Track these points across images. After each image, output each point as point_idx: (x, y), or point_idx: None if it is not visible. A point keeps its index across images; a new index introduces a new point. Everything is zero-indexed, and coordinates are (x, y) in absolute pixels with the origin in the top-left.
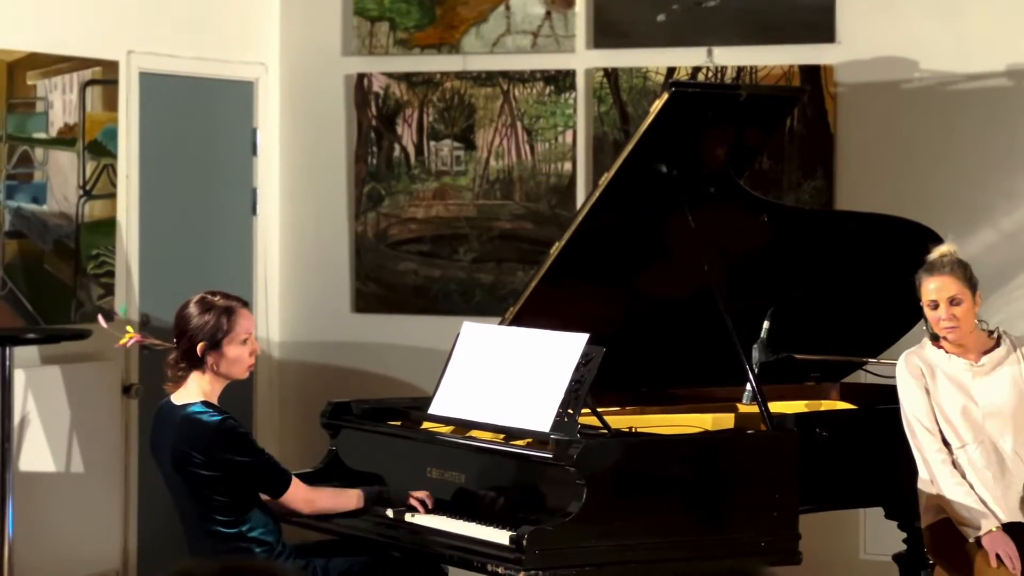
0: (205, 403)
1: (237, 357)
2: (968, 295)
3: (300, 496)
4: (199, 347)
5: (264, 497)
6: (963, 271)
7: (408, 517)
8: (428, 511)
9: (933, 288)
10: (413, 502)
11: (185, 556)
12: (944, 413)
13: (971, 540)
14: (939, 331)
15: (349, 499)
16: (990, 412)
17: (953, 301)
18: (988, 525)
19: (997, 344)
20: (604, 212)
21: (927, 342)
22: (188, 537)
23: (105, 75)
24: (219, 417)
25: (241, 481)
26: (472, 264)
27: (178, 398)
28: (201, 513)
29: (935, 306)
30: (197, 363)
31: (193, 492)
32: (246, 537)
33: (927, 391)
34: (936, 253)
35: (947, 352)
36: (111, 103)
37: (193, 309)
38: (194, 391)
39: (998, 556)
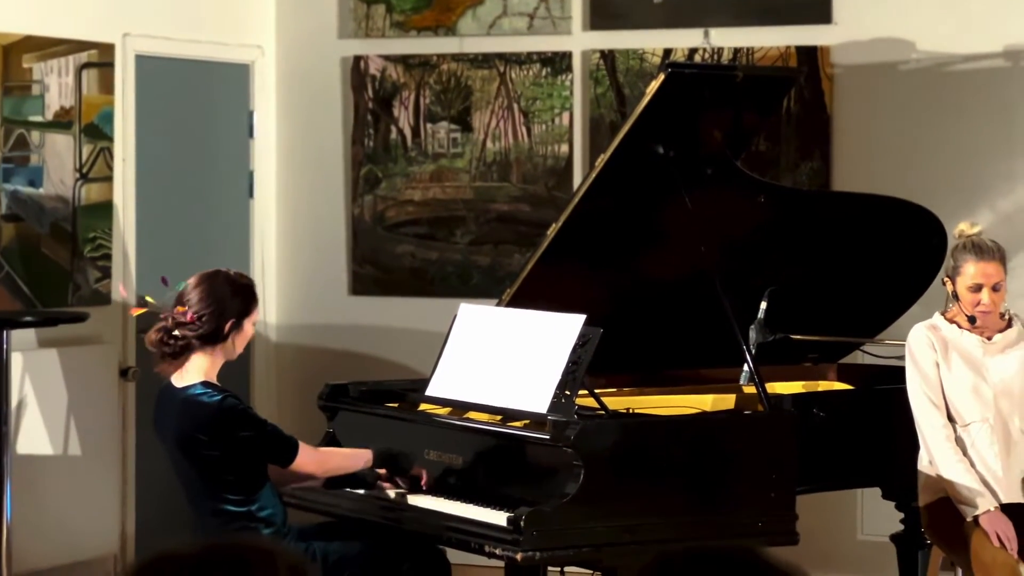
0: (205, 383)
1: (246, 336)
2: (1005, 280)
3: (310, 459)
4: (228, 323)
5: (275, 469)
6: (1005, 258)
7: (410, 499)
8: (427, 484)
9: (981, 273)
10: (419, 473)
11: (185, 537)
12: (953, 389)
13: (969, 519)
14: (974, 312)
15: (358, 458)
16: (1001, 390)
17: (996, 287)
18: (986, 504)
19: (1009, 325)
20: (601, 194)
21: (939, 316)
22: (195, 516)
23: (101, 58)
24: (219, 396)
25: (249, 456)
26: (469, 246)
27: (178, 380)
28: (211, 493)
29: (977, 289)
30: (214, 339)
31: (202, 474)
32: (255, 516)
33: (937, 365)
34: (971, 231)
35: (960, 328)
36: (107, 86)
37: (225, 287)
38: (194, 372)
39: (998, 536)
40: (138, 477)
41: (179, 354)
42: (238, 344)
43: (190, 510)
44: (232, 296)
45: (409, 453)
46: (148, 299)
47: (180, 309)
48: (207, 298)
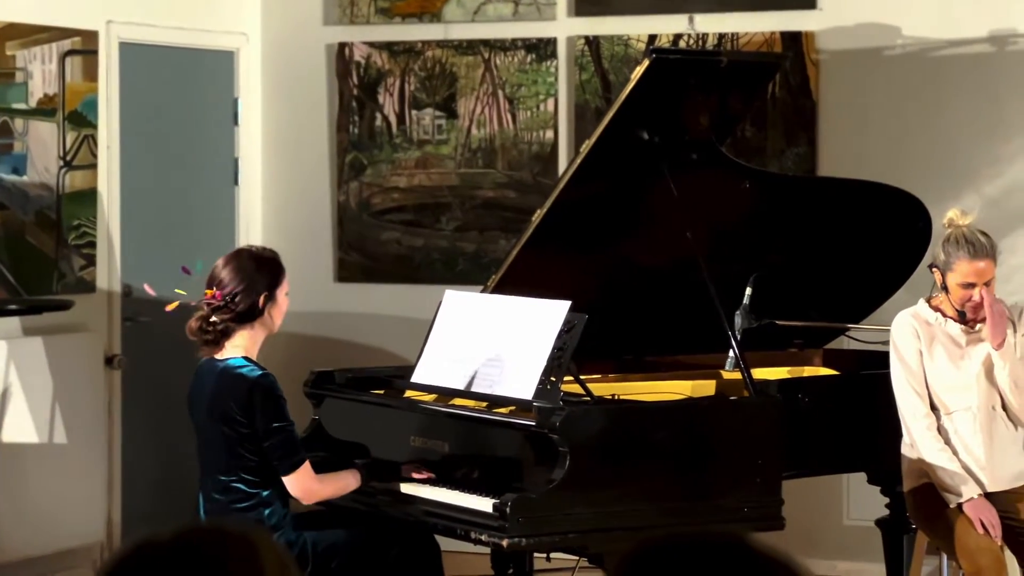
0: (247, 358)
1: (282, 307)
2: (995, 275)
3: (305, 484)
4: (262, 297)
5: None
6: (996, 252)
7: (404, 488)
8: (429, 474)
9: (974, 271)
10: (409, 471)
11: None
12: (937, 378)
13: (952, 506)
14: (964, 308)
15: (348, 484)
16: (984, 378)
17: (987, 284)
18: (970, 492)
19: None
20: (586, 179)
21: (923, 303)
22: (204, 489)
23: (85, 45)
24: (260, 372)
25: (260, 441)
26: (455, 233)
27: (220, 354)
28: (228, 468)
29: (970, 287)
30: (252, 316)
31: (227, 445)
32: (263, 500)
33: (920, 353)
34: (961, 221)
35: (945, 315)
36: (91, 73)
37: (250, 263)
38: (236, 348)
39: (982, 523)
40: (124, 465)
41: (220, 339)
42: (276, 317)
43: (200, 482)
44: (258, 270)
45: (390, 462)
46: (179, 291)
47: (209, 293)
48: (235, 277)
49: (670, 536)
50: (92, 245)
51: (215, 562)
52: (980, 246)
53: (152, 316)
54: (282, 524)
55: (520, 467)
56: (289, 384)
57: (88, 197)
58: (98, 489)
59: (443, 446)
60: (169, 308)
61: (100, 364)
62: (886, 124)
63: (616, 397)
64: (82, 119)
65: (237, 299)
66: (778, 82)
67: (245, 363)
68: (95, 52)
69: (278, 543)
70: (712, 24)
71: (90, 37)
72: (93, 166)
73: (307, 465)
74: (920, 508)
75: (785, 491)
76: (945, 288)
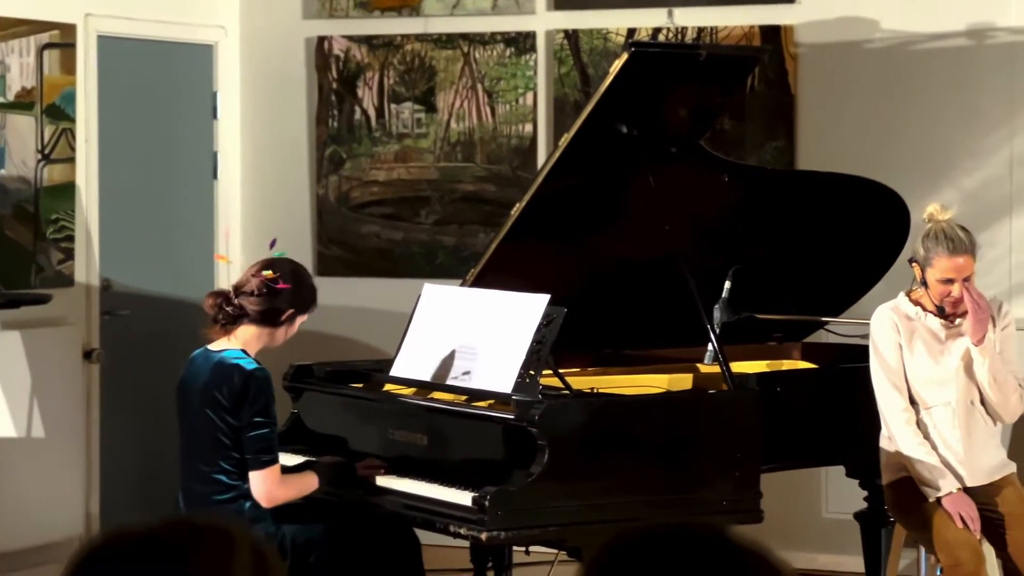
0: (244, 351)
1: (294, 331)
2: (974, 270)
3: (268, 485)
4: (287, 312)
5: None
6: (975, 248)
7: (381, 481)
8: (386, 471)
9: (953, 267)
10: (367, 472)
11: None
12: (916, 372)
13: (931, 500)
14: (943, 304)
15: (309, 485)
16: (963, 373)
17: (967, 280)
18: (948, 486)
19: None
20: (564, 173)
21: (903, 297)
22: (184, 480)
23: (63, 38)
24: (256, 366)
25: (240, 431)
26: (434, 226)
27: (216, 345)
28: (211, 458)
29: (949, 282)
30: (268, 320)
31: (214, 435)
32: (244, 492)
33: (900, 347)
34: (941, 216)
35: (924, 310)
36: (69, 66)
37: (296, 276)
38: (236, 341)
39: (961, 517)
40: (102, 459)
41: (232, 322)
42: (283, 336)
43: (181, 474)
44: (303, 288)
45: (348, 463)
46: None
47: (268, 275)
48: (292, 276)
49: (647, 528)
50: (70, 239)
51: (189, 554)
52: (959, 242)
53: (130, 310)
54: (261, 517)
55: (499, 460)
56: None
57: (66, 191)
58: (76, 483)
59: (422, 439)
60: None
61: (78, 358)
62: (865, 118)
63: (595, 390)
64: (60, 112)
65: (273, 288)
66: (757, 76)
67: (242, 355)
68: (73, 45)
69: (257, 535)
70: (691, 18)
71: (68, 30)
72: (71, 160)
73: (276, 468)
74: (899, 502)
75: (764, 484)
76: (924, 283)
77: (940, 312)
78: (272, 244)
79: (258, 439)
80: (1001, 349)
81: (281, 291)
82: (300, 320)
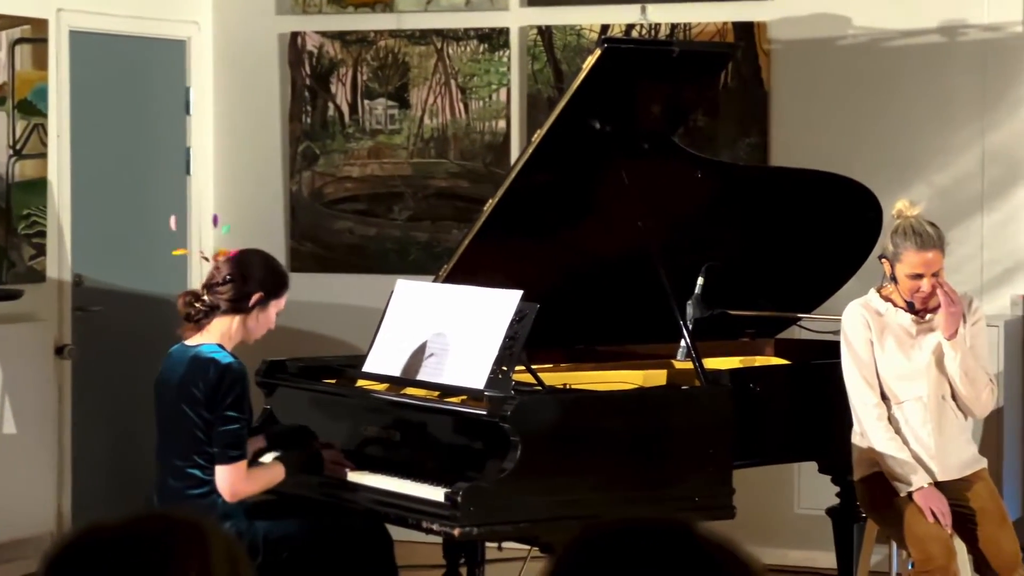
0: (220, 346)
1: (269, 320)
2: (943, 264)
3: (233, 480)
4: (256, 296)
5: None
6: (944, 243)
7: (349, 476)
8: (353, 469)
9: (921, 262)
10: (334, 469)
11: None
12: (887, 368)
13: (903, 495)
14: (913, 299)
15: (275, 477)
16: (934, 368)
17: (936, 274)
18: (920, 481)
19: None
20: (537, 169)
21: (874, 293)
22: (159, 474)
23: (34, 33)
24: (231, 360)
25: (210, 425)
26: (407, 222)
27: (192, 340)
28: (185, 453)
29: (917, 276)
30: (238, 308)
31: (189, 430)
32: (217, 489)
33: (871, 343)
34: (909, 212)
35: (895, 306)
36: (41, 62)
37: (262, 261)
38: (212, 334)
39: (932, 512)
40: (74, 455)
41: (203, 319)
42: (260, 323)
43: (156, 469)
44: (261, 269)
45: (315, 455)
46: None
47: (223, 252)
48: (237, 266)
49: (614, 523)
50: (42, 235)
51: (163, 549)
52: (927, 237)
53: (103, 306)
54: (234, 512)
55: (472, 456)
56: None
57: (38, 186)
58: (48, 479)
59: (395, 435)
60: (177, 253)
61: (50, 354)
62: (838, 114)
63: (568, 386)
64: (32, 108)
65: (229, 283)
66: (730, 72)
67: (218, 349)
68: (45, 40)
69: (228, 533)
70: (664, 14)
71: (40, 25)
72: (43, 155)
73: (242, 465)
74: (870, 497)
75: (736, 480)
76: (894, 279)
77: (910, 308)
78: (215, 221)
79: (227, 434)
80: (972, 344)
81: (248, 275)
82: (274, 307)
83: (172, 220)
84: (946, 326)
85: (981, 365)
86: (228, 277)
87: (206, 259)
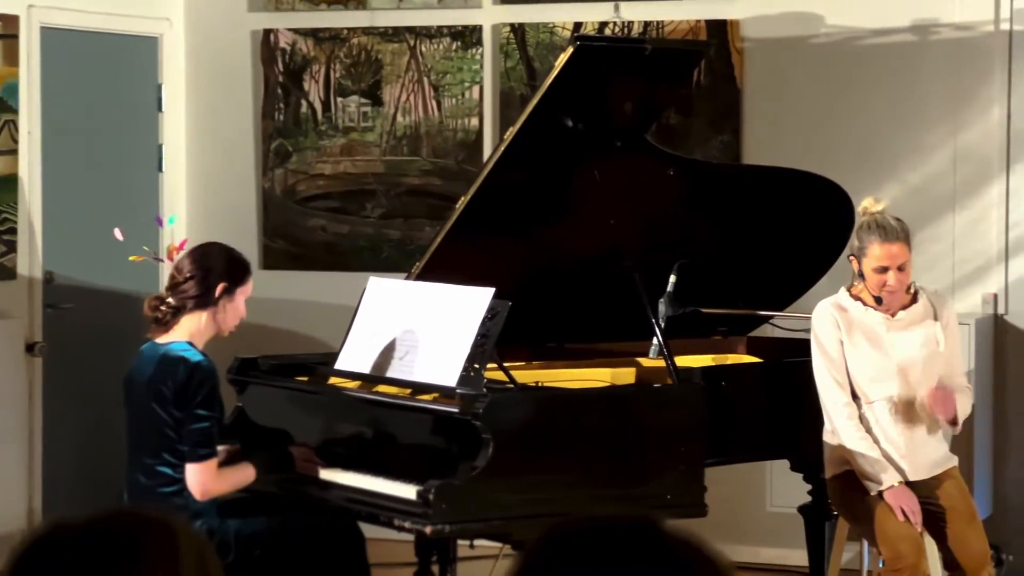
0: (191, 344)
1: (238, 309)
2: (910, 258)
3: (204, 479)
4: (220, 287)
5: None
6: (909, 237)
7: (321, 473)
8: (324, 467)
9: (886, 255)
10: (305, 467)
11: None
12: (857, 367)
13: (873, 494)
14: (880, 293)
15: (246, 477)
16: (904, 367)
17: (901, 267)
18: (890, 480)
19: (914, 300)
20: (510, 167)
21: (844, 292)
22: (129, 472)
23: (5, 30)
24: (201, 358)
25: (181, 423)
26: (380, 220)
27: (163, 339)
28: (155, 451)
29: (883, 270)
30: (205, 302)
31: (159, 428)
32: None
33: (841, 343)
34: (874, 208)
35: (865, 304)
36: (12, 58)
37: (220, 251)
38: (182, 333)
39: (903, 510)
40: (45, 453)
41: (171, 320)
42: (229, 315)
43: (127, 467)
44: (225, 260)
45: (286, 455)
46: (145, 248)
47: (173, 245)
48: (196, 261)
49: (581, 520)
50: (13, 231)
51: (131, 546)
52: (891, 229)
53: (74, 303)
54: (206, 510)
55: (443, 454)
56: None
57: (9, 183)
58: (18, 477)
59: (367, 433)
60: (133, 259)
61: (21, 351)
62: (810, 112)
63: (539, 384)
64: (3, 104)
65: (192, 280)
66: (703, 70)
67: (188, 347)
68: (16, 37)
69: (197, 531)
70: (637, 12)
71: (11, 21)
72: (14, 152)
73: (213, 463)
74: (841, 495)
75: (708, 478)
76: (863, 275)
77: (878, 302)
78: (159, 223)
79: (197, 432)
80: (948, 348)
81: (209, 267)
82: (241, 295)
83: (117, 231)
84: (943, 415)
85: (957, 371)
86: (190, 274)
87: (160, 260)
